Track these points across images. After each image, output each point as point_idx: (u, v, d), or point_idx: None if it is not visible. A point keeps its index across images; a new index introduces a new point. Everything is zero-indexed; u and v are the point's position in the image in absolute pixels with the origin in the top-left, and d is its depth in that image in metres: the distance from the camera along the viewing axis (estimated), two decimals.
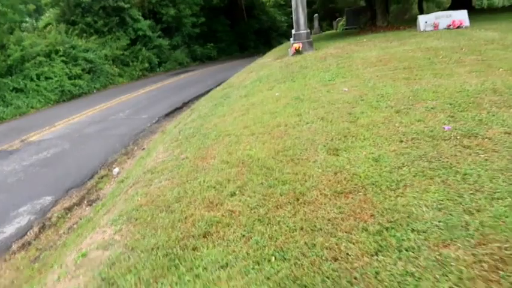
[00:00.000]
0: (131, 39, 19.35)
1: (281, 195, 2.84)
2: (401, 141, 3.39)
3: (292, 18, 11.66)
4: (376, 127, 3.84)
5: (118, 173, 5.94)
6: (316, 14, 21.91)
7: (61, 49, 14.77)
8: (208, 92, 12.06)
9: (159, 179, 3.84)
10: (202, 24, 25.22)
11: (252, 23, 31.97)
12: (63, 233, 4.20)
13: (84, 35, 17.45)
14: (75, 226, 4.24)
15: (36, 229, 4.37)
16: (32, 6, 16.62)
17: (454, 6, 19.80)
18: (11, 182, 5.70)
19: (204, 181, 3.39)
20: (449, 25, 10.98)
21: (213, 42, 26.05)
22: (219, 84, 12.83)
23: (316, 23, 22.15)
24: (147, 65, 19.45)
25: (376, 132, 3.70)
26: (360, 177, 2.89)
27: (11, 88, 12.34)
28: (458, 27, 10.83)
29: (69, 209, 4.76)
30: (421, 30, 11.21)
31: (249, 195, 2.95)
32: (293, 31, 11.66)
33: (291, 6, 11.69)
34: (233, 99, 6.81)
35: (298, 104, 5.18)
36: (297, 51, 10.76)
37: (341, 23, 21.29)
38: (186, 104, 10.76)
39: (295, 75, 7.38)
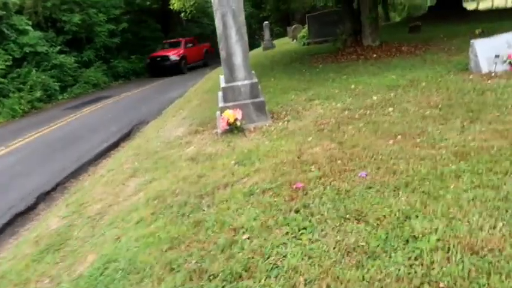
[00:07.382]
0: (15, 58, 13.91)
1: None
2: None
3: (220, 49, 5.58)
4: None
5: None
6: (266, 22, 17.46)
7: None
8: (103, 154, 7.47)
9: None
10: (125, 32, 20.05)
11: (191, 28, 27.03)
12: None
13: None
14: None
15: None
16: None
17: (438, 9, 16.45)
18: None
19: None
20: None
21: (141, 54, 20.96)
22: (128, 134, 8.32)
23: (266, 33, 17.63)
24: (40, 93, 14.09)
25: None
26: None
27: None
28: None
29: None
30: (483, 71, 5.95)
31: None
32: (221, 80, 5.85)
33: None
34: None
35: None
36: (232, 127, 5.00)
37: (301, 33, 16.43)
38: (44, 200, 5.97)
39: None
